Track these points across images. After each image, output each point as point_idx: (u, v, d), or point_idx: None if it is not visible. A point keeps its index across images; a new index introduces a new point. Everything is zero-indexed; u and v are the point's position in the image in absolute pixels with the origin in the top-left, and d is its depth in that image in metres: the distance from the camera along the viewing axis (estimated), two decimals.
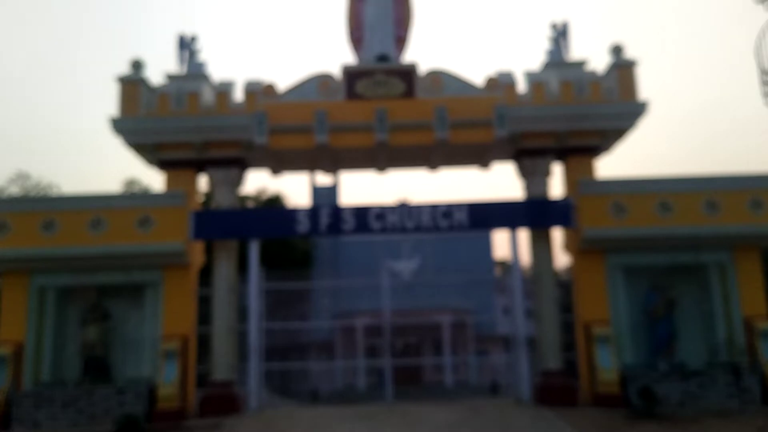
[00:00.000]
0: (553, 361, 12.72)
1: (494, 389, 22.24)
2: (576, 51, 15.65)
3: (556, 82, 13.22)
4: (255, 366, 12.72)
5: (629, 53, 13.45)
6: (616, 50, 13.38)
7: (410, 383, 18.09)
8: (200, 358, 13.08)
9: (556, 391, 12.32)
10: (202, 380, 12.99)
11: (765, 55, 16.03)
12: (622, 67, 13.24)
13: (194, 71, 13.56)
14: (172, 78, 13.46)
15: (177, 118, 12.93)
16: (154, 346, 12.49)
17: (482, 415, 11.40)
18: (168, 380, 11.97)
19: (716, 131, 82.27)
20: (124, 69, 13.41)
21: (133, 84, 13.10)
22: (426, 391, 19.41)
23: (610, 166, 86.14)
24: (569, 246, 13.33)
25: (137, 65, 13.28)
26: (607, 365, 12.05)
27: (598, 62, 13.55)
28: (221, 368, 12.68)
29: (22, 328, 12.51)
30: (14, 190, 26.38)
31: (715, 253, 12.95)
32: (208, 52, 25.77)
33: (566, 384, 12.59)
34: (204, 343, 13.03)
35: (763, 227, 12.62)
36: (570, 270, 13.80)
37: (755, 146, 71.64)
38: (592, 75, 13.37)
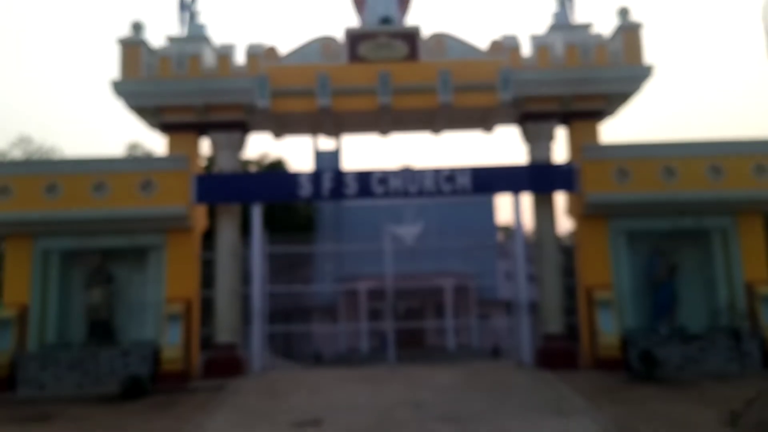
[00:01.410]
0: (554, 325, 12.83)
1: (496, 353, 22.50)
2: (582, 14, 15.39)
3: (562, 45, 13.08)
4: (258, 329, 12.86)
5: (635, 16, 13.30)
6: (623, 13, 13.19)
7: (413, 346, 18.34)
8: (204, 321, 13.22)
9: (557, 354, 12.45)
10: (207, 343, 13.16)
11: None
12: (628, 30, 13.07)
13: (195, 34, 13.43)
14: (172, 40, 13.34)
15: (178, 81, 12.85)
16: (158, 309, 12.63)
17: (483, 378, 11.58)
18: (172, 342, 12.12)
19: (722, 96, 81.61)
20: (126, 31, 13.34)
21: (133, 46, 12.98)
22: (428, 355, 19.65)
23: (614, 131, 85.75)
24: (572, 211, 13.35)
25: (138, 27, 13.14)
26: (609, 329, 12.16)
27: (604, 25, 13.38)
28: (225, 331, 12.83)
29: (26, 291, 12.61)
30: (17, 154, 26.41)
31: (717, 218, 12.97)
32: (209, 14, 25.47)
33: (567, 347, 12.73)
34: (208, 307, 13.16)
35: (767, 192, 12.61)
36: (572, 235, 13.85)
37: (761, 111, 71.08)
38: (598, 38, 13.22)
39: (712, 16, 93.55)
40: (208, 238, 13.44)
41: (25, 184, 12.52)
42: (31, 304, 12.58)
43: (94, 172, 12.60)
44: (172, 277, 12.69)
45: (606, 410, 8.91)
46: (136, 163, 14.03)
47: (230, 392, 10.81)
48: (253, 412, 9.46)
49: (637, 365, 11.55)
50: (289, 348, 15.60)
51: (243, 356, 12.86)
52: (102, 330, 12.72)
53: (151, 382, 11.66)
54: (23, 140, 27.06)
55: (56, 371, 11.93)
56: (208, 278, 13.17)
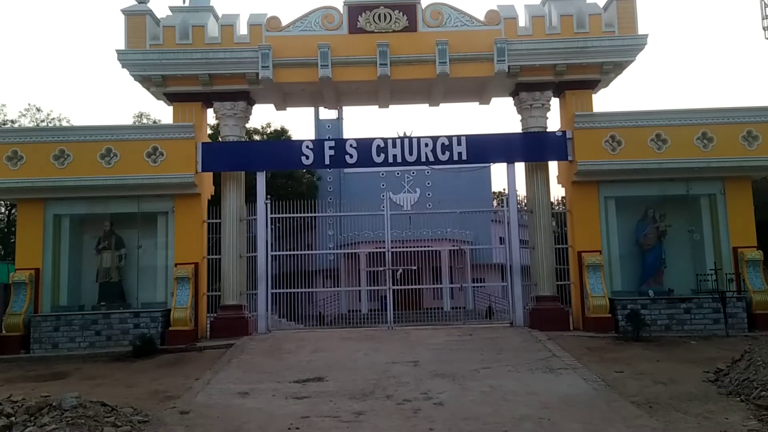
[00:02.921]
0: (546, 288, 13.29)
1: (490, 314, 23.05)
2: None
3: (557, 15, 13.24)
4: (263, 291, 13.31)
5: None
6: None
7: (410, 308, 18.81)
8: (213, 284, 13.68)
9: (548, 315, 12.91)
10: (214, 305, 13.63)
11: None
12: (622, 0, 13.21)
13: (199, 3, 13.57)
14: (176, 10, 13.50)
15: (183, 51, 13.05)
16: (167, 272, 13.07)
17: (477, 338, 11.96)
18: (181, 304, 12.59)
19: (716, 65, 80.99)
20: (131, 1, 13.44)
21: (138, 16, 13.15)
22: (425, 316, 20.18)
23: (608, 100, 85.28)
24: (564, 178, 13.72)
25: None
26: (598, 292, 12.63)
27: None
28: (231, 293, 13.30)
29: (39, 255, 13.02)
30: (26, 122, 26.61)
31: (706, 185, 13.32)
32: None
33: (558, 309, 13.21)
34: (216, 270, 13.61)
35: (755, 160, 12.92)
36: (564, 201, 14.20)
37: (753, 80, 70.71)
38: (593, 8, 13.38)
39: None
40: (215, 204, 13.81)
41: (35, 151, 12.83)
42: (43, 268, 13.01)
43: (102, 140, 12.90)
44: (179, 242, 13.11)
45: (595, 368, 9.29)
46: (144, 131, 14.25)
47: (236, 351, 11.19)
48: (258, 370, 9.84)
49: (624, 326, 12.04)
50: (292, 309, 16.04)
51: (249, 317, 13.34)
52: (113, 292, 13.22)
53: (160, 342, 12.19)
54: (32, 108, 27.25)
55: (69, 331, 12.45)
56: (214, 243, 13.59)
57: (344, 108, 15.46)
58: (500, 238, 14.71)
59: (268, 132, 32.72)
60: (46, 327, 12.45)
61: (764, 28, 16.17)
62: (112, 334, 12.44)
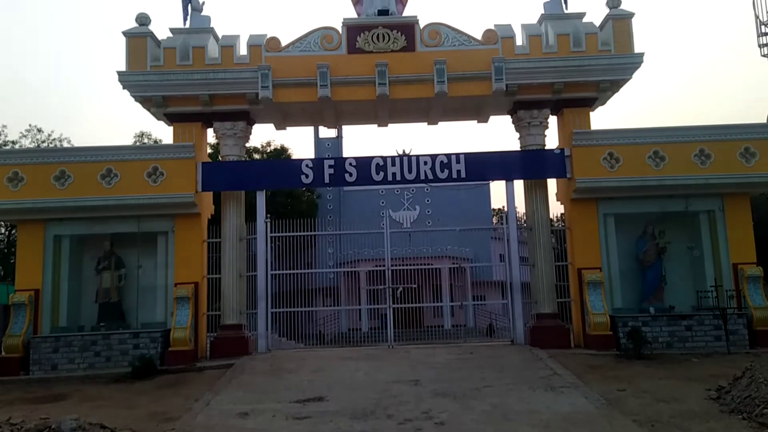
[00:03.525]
0: (546, 305, 13.28)
1: (491, 332, 22.97)
2: (574, 2, 15.66)
3: (554, 34, 13.36)
4: (263, 311, 13.29)
5: (626, 5, 13.58)
6: (613, 2, 13.46)
7: (411, 326, 18.76)
8: (212, 303, 13.67)
9: (549, 333, 12.89)
10: (214, 324, 13.60)
11: (762, 6, 16.09)
12: (619, 20, 13.34)
13: (199, 25, 13.72)
14: (177, 32, 13.63)
15: (183, 72, 13.14)
16: (167, 291, 13.06)
17: (478, 356, 11.93)
18: (180, 324, 12.56)
19: (713, 83, 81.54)
20: (132, 23, 13.56)
21: (139, 38, 13.26)
22: (426, 334, 20.12)
23: (606, 117, 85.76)
24: (563, 195, 13.76)
25: (143, 19, 13.42)
26: (599, 309, 12.60)
27: (596, 14, 13.65)
28: (231, 313, 13.29)
29: (39, 275, 13.02)
30: (26, 143, 26.74)
31: (705, 202, 13.34)
32: (211, 5, 25.68)
33: (559, 326, 13.18)
34: (216, 290, 13.60)
35: (753, 176, 12.97)
36: (564, 218, 14.24)
37: (751, 98, 71.16)
38: (589, 27, 13.50)
39: (704, 2, 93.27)
40: (215, 223, 13.84)
41: (36, 172, 12.87)
42: (43, 288, 13.00)
43: (103, 160, 12.95)
44: (179, 261, 13.12)
45: (596, 386, 9.26)
46: (144, 151, 14.31)
47: (236, 371, 11.15)
48: (258, 390, 9.80)
49: (626, 343, 12.00)
50: (292, 328, 16.01)
51: (249, 337, 13.31)
52: (113, 313, 13.20)
53: (160, 362, 12.15)
54: (33, 130, 27.41)
55: (68, 353, 12.39)
56: (214, 262, 13.60)
57: (344, 127, 15.57)
58: (500, 255, 14.69)
59: (268, 151, 32.90)
60: (46, 348, 12.40)
61: (760, 46, 16.32)
62: (112, 355, 12.38)
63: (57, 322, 13.05)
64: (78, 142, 30.04)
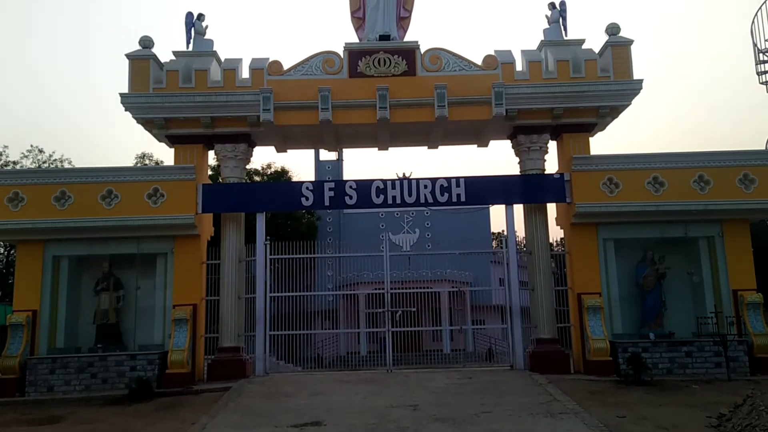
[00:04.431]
0: (546, 330, 13.23)
1: (490, 356, 22.87)
2: (573, 29, 15.82)
3: (553, 60, 13.48)
4: (261, 333, 13.23)
5: (625, 33, 13.70)
6: (612, 29, 13.61)
7: (410, 350, 18.71)
8: (210, 325, 13.61)
9: (548, 358, 12.82)
10: (212, 347, 13.53)
11: (760, 34, 16.27)
12: (618, 46, 13.46)
13: (202, 48, 13.84)
14: (180, 55, 13.76)
15: (185, 95, 13.22)
16: (165, 313, 13.02)
17: (478, 381, 11.87)
18: (178, 346, 12.48)
19: (711, 110, 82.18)
20: (135, 45, 13.69)
21: (142, 61, 13.37)
22: (425, 358, 20.06)
23: (605, 143, 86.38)
24: (563, 220, 13.77)
25: (147, 42, 13.56)
26: (599, 334, 12.54)
27: (595, 41, 13.81)
28: (230, 335, 13.22)
29: (36, 296, 12.96)
30: (27, 163, 26.85)
31: (705, 227, 13.33)
32: (215, 29, 26.00)
33: (558, 351, 13.11)
34: (214, 311, 13.55)
35: (752, 203, 12.99)
36: (563, 243, 14.25)
37: (749, 124, 71.67)
38: (589, 53, 13.63)
39: (702, 30, 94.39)
40: (214, 244, 13.84)
41: (36, 193, 12.90)
42: (41, 309, 12.95)
43: (103, 181, 12.98)
44: (178, 283, 13.08)
45: (596, 413, 9.19)
46: (145, 172, 14.37)
47: (234, 394, 11.08)
48: (255, 414, 9.73)
49: (626, 369, 11.94)
50: (291, 351, 15.95)
51: (247, 359, 13.24)
52: (110, 334, 13.13)
53: (157, 385, 12.06)
54: (34, 150, 27.54)
55: (65, 374, 12.32)
56: (213, 284, 13.57)
57: (344, 150, 15.65)
58: (500, 279, 14.68)
59: (269, 173, 33.02)
60: (42, 370, 12.33)
61: (758, 73, 16.47)
62: (108, 377, 12.31)
63: (54, 344, 12.97)
64: (79, 162, 30.14)
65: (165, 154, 46.37)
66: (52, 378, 12.29)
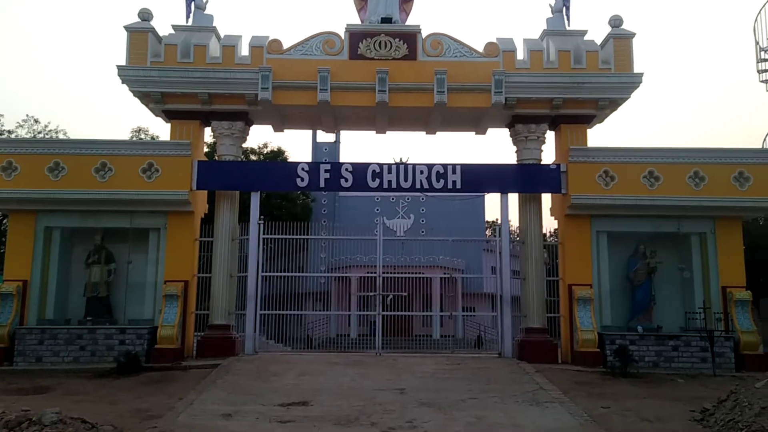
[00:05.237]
0: (535, 319, 13.29)
1: (479, 344, 23.00)
2: (576, 20, 15.71)
3: (555, 50, 13.42)
4: (252, 312, 13.24)
5: (627, 25, 13.64)
6: (615, 22, 13.55)
7: (399, 334, 18.74)
8: (201, 302, 13.61)
9: (537, 347, 12.88)
10: (203, 324, 13.55)
11: (762, 32, 16.24)
12: (620, 39, 13.39)
13: (202, 24, 13.70)
14: (179, 29, 13.63)
15: (183, 69, 13.11)
16: (156, 288, 13.01)
17: (465, 367, 11.94)
18: (168, 322, 12.51)
19: (710, 106, 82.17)
20: (133, 16, 13.61)
21: (140, 33, 13.24)
22: (414, 343, 20.10)
23: (603, 135, 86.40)
24: (557, 210, 13.79)
25: (146, 15, 13.41)
26: (588, 325, 12.62)
27: (597, 32, 13.74)
28: (220, 313, 13.22)
29: (27, 266, 12.95)
30: (23, 133, 26.66)
31: (697, 224, 13.40)
32: (214, 5, 25.77)
33: (547, 341, 13.19)
34: (206, 289, 13.55)
35: (746, 201, 13.04)
36: (557, 233, 14.28)
37: (749, 122, 71.73)
38: (590, 45, 13.57)
39: (704, 27, 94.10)
40: (208, 222, 13.80)
41: (29, 162, 12.84)
42: (31, 280, 12.94)
43: (98, 154, 12.91)
44: (170, 259, 13.07)
45: (581, 403, 9.27)
46: (140, 146, 14.31)
47: (222, 372, 11.11)
48: (242, 392, 9.77)
49: (612, 361, 12.02)
50: (281, 331, 16.00)
51: (236, 338, 13.26)
52: (100, 307, 13.13)
53: (146, 359, 12.09)
54: (30, 120, 27.34)
55: (54, 345, 12.34)
56: (205, 261, 13.56)
57: (342, 132, 15.62)
58: (492, 267, 14.73)
59: (265, 152, 32.88)
60: (31, 340, 12.34)
61: (759, 71, 16.45)
62: (97, 350, 12.33)
63: (44, 314, 12.97)
64: (74, 134, 29.98)
65: (161, 129, 46.13)
66: (41, 348, 12.30)
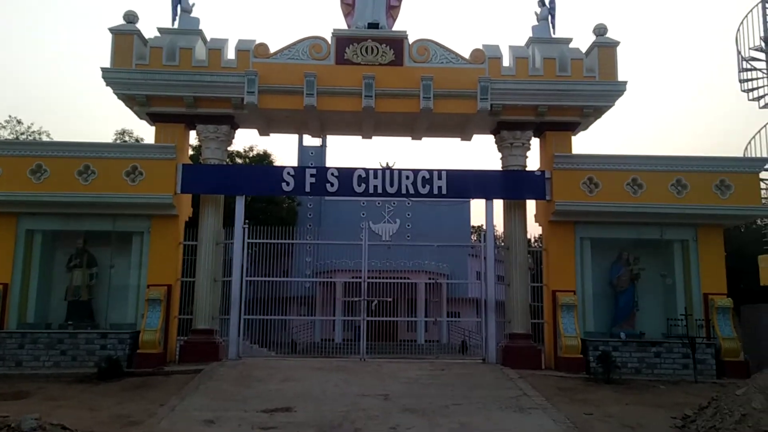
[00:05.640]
0: (519, 325, 13.33)
1: (464, 349, 23.03)
2: (561, 28, 15.82)
3: (540, 57, 13.50)
4: (236, 317, 13.15)
5: (612, 34, 13.75)
6: (600, 30, 13.66)
7: (384, 339, 18.75)
8: (185, 307, 13.51)
9: (521, 353, 12.93)
10: (186, 328, 13.45)
11: (745, 42, 16.46)
12: (604, 47, 13.51)
13: (188, 27, 13.63)
14: (165, 32, 13.55)
15: (168, 72, 13.03)
16: (139, 293, 12.90)
17: (449, 373, 11.93)
18: (151, 326, 12.38)
19: (693, 115, 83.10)
20: (119, 18, 13.50)
21: (125, 36, 13.14)
22: (399, 348, 20.17)
23: (587, 142, 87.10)
24: (541, 217, 13.86)
25: (131, 17, 13.32)
26: (571, 332, 12.67)
27: (582, 40, 13.83)
28: (204, 317, 13.12)
29: (8, 269, 12.79)
30: (5, 134, 26.41)
31: (680, 231, 13.51)
32: (201, 8, 25.69)
33: (531, 347, 13.22)
34: (189, 293, 13.45)
35: (727, 209, 13.17)
36: (541, 239, 14.34)
37: (731, 130, 72.61)
38: (575, 53, 13.65)
39: (688, 35, 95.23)
40: (192, 226, 13.71)
41: (11, 164, 12.67)
42: (12, 283, 12.78)
43: (81, 156, 12.78)
44: (154, 263, 12.96)
45: (564, 409, 9.31)
46: (124, 149, 14.20)
47: (205, 377, 11.02)
48: (225, 398, 9.70)
49: (595, 367, 12.09)
50: (265, 335, 15.93)
51: (220, 342, 13.17)
52: (82, 311, 12.99)
53: (127, 364, 11.97)
54: (12, 120, 27.10)
55: (34, 350, 12.17)
56: (189, 265, 13.46)
57: (328, 136, 15.60)
58: (477, 272, 14.76)
59: (251, 156, 32.81)
60: (11, 344, 12.18)
61: (741, 81, 16.67)
62: (78, 355, 12.19)
63: (24, 318, 12.81)
64: (58, 135, 29.73)
65: (145, 132, 45.94)
66: (21, 353, 12.16)
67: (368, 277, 13.89)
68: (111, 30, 13.23)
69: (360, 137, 15.03)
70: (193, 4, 13.88)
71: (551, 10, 13.98)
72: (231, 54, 13.46)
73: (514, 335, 13.31)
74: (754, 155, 15.93)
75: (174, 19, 13.71)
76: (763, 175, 14.13)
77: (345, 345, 20.81)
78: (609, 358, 11.94)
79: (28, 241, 13.07)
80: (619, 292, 13.51)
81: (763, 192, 14.78)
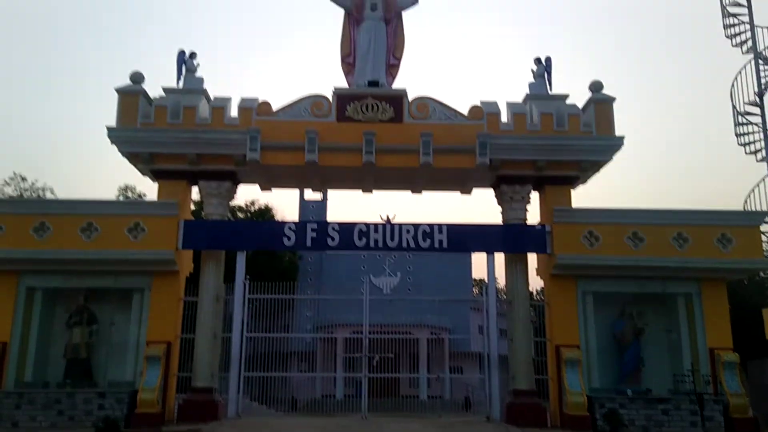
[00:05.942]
0: (523, 381, 13.13)
1: (467, 405, 22.60)
2: (557, 85, 16.11)
3: (538, 113, 13.70)
4: (235, 374, 12.99)
5: (608, 90, 13.99)
6: (595, 86, 13.91)
7: (386, 396, 18.45)
8: (185, 363, 13.35)
9: (525, 410, 12.70)
10: (186, 385, 13.25)
11: (739, 96, 16.76)
12: (601, 103, 13.73)
13: (192, 86, 13.91)
14: (169, 91, 13.81)
15: (172, 130, 13.21)
16: (138, 350, 12.76)
17: None
18: (149, 385, 12.20)
19: (690, 169, 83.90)
20: (125, 78, 13.75)
21: (131, 96, 13.40)
22: (401, 405, 19.80)
23: (586, 196, 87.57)
24: (543, 270, 13.80)
25: (137, 77, 13.61)
26: (576, 388, 12.43)
27: (579, 96, 14.05)
28: (203, 375, 12.94)
29: (7, 327, 12.69)
30: (9, 191, 26.65)
31: (682, 285, 13.42)
32: (206, 68, 26.27)
33: (536, 404, 12.99)
34: (189, 349, 13.31)
35: (729, 262, 13.12)
36: (543, 293, 14.26)
37: (728, 184, 73.19)
38: (572, 108, 13.85)
39: (684, 92, 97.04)
40: (193, 281, 13.67)
41: (14, 222, 12.73)
42: (11, 341, 12.66)
43: (83, 214, 12.85)
44: (154, 319, 12.86)
45: None
46: (126, 206, 14.31)
47: None
48: None
49: (602, 425, 11.85)
50: (266, 392, 15.68)
51: (219, 401, 12.95)
52: (80, 369, 12.82)
53: (125, 424, 11.75)
54: (17, 178, 27.40)
55: (31, 410, 11.99)
56: (189, 321, 13.36)
57: (329, 190, 15.71)
58: (479, 326, 14.63)
59: (252, 210, 32.98)
60: (8, 404, 12.00)
61: (737, 135, 16.90)
62: (75, 415, 11.99)
63: (22, 377, 12.64)
64: (61, 191, 30.03)
65: (148, 188, 46.20)
66: (18, 413, 11.96)
67: (370, 332, 13.77)
68: (117, 90, 13.50)
69: (360, 191, 15.15)
70: (198, 65, 14.20)
71: (547, 68, 14.26)
72: (234, 112, 13.68)
73: (518, 392, 13.08)
74: (753, 208, 16.00)
75: (179, 79, 13.99)
76: (763, 227, 14.14)
77: (346, 401, 20.47)
78: (616, 415, 11.73)
79: (29, 298, 13.00)
80: (623, 347, 13.32)
81: (764, 245, 14.77)
